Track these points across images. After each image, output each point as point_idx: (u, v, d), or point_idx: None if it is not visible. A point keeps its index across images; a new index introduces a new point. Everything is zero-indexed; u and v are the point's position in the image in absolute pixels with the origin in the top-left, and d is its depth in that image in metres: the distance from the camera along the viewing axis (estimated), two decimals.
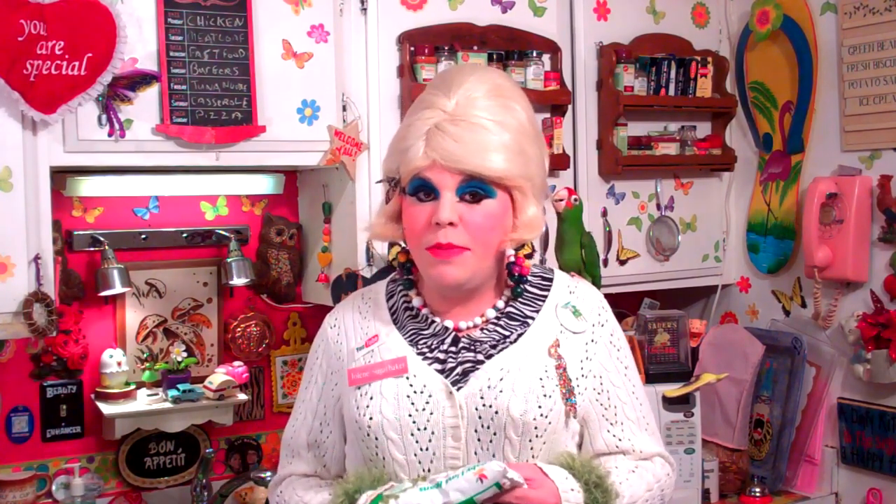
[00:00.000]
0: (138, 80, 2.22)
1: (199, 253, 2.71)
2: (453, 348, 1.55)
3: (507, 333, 1.56)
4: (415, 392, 1.51)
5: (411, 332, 1.58)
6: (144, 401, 2.54)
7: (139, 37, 2.22)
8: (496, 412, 1.48)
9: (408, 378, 1.52)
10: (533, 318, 1.58)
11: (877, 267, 2.78)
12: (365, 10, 2.52)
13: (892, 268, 2.74)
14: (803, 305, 3.01)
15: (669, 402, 2.71)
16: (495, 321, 1.58)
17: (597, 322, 1.62)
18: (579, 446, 1.60)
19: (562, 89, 2.77)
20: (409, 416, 1.50)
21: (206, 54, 2.29)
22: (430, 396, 1.50)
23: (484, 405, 1.49)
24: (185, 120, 2.27)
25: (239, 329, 2.73)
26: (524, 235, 1.55)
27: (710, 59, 3.05)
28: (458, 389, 1.50)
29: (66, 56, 2.09)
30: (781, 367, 2.95)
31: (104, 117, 2.20)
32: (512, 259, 1.61)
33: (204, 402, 2.55)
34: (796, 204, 2.99)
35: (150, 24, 2.23)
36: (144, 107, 2.23)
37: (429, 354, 1.55)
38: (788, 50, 2.97)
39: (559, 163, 2.76)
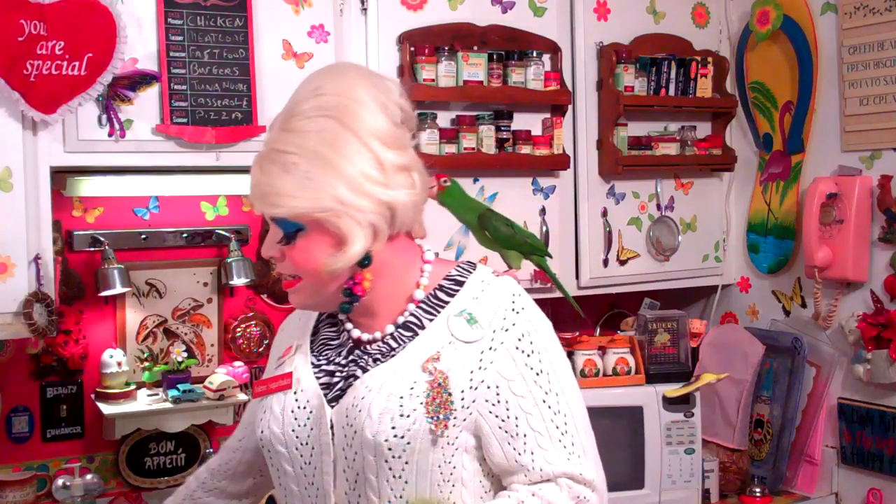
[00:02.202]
0: (138, 80, 2.22)
1: (200, 253, 2.71)
2: (343, 361, 1.51)
3: (395, 346, 1.48)
4: (299, 407, 1.48)
5: (322, 341, 1.56)
6: (144, 401, 2.54)
7: (139, 37, 2.22)
8: (355, 431, 1.42)
9: (294, 392, 1.50)
10: (424, 328, 1.48)
11: (877, 267, 2.78)
12: (365, 10, 2.52)
13: (893, 268, 2.74)
14: (803, 305, 3.01)
15: (669, 402, 2.71)
16: (393, 333, 1.50)
17: (499, 328, 1.45)
18: (483, 460, 1.47)
19: (562, 89, 2.76)
20: (293, 430, 1.48)
21: (207, 54, 2.29)
22: (311, 412, 1.47)
23: (347, 423, 1.43)
24: (185, 120, 2.27)
25: (239, 329, 2.73)
26: (376, 247, 1.44)
27: (710, 59, 3.05)
28: (333, 406, 1.46)
29: (67, 56, 2.09)
30: (781, 367, 2.95)
31: (104, 117, 2.20)
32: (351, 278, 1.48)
33: (204, 402, 2.55)
34: (796, 204, 2.99)
35: (150, 24, 2.24)
36: (144, 107, 2.24)
37: (323, 366, 1.52)
38: (788, 50, 2.97)
39: (559, 163, 2.76)
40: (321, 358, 1.53)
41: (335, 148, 1.40)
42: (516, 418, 1.44)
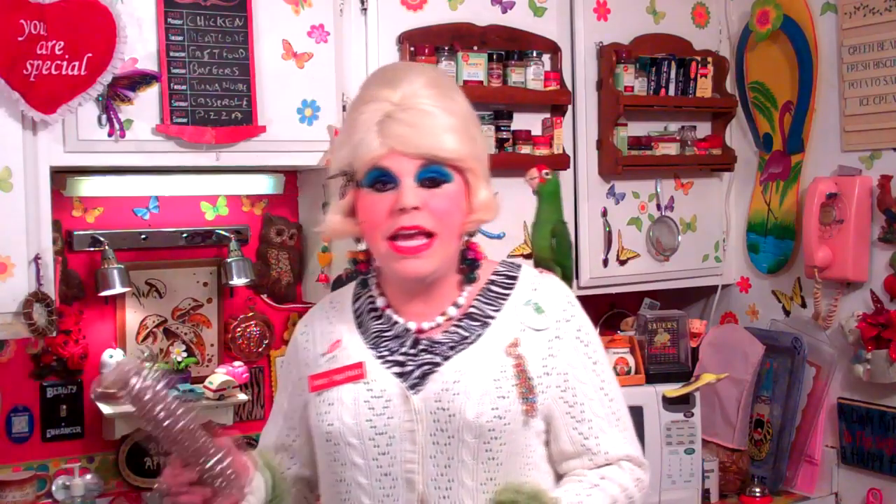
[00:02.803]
0: (138, 80, 2.22)
1: (199, 253, 2.71)
2: (413, 350, 1.53)
3: (466, 335, 1.54)
4: (374, 397, 1.49)
5: (373, 335, 1.57)
6: None
7: (139, 37, 2.22)
8: (452, 415, 1.46)
9: (366, 383, 1.50)
10: (493, 318, 1.56)
11: (877, 267, 2.78)
12: (365, 10, 2.53)
13: (892, 268, 2.74)
14: (803, 305, 3.01)
15: (669, 402, 2.71)
16: (457, 322, 1.56)
17: (561, 318, 1.57)
18: (546, 444, 1.57)
19: (562, 89, 2.77)
20: (368, 420, 1.49)
21: (206, 54, 2.29)
22: (388, 401, 1.49)
23: (440, 408, 1.47)
24: (185, 120, 2.27)
25: (239, 329, 2.73)
26: (483, 216, 1.55)
27: (710, 59, 3.05)
28: (416, 393, 1.48)
29: (66, 56, 2.09)
30: (781, 367, 2.95)
31: (104, 117, 2.20)
32: (463, 246, 1.59)
33: (204, 402, 2.55)
34: (796, 204, 2.99)
35: (150, 24, 2.24)
36: (144, 107, 2.24)
37: (389, 358, 1.53)
38: (788, 50, 2.97)
39: (559, 163, 2.75)
40: (381, 349, 1.54)
41: (475, 118, 1.56)
42: (581, 404, 1.55)
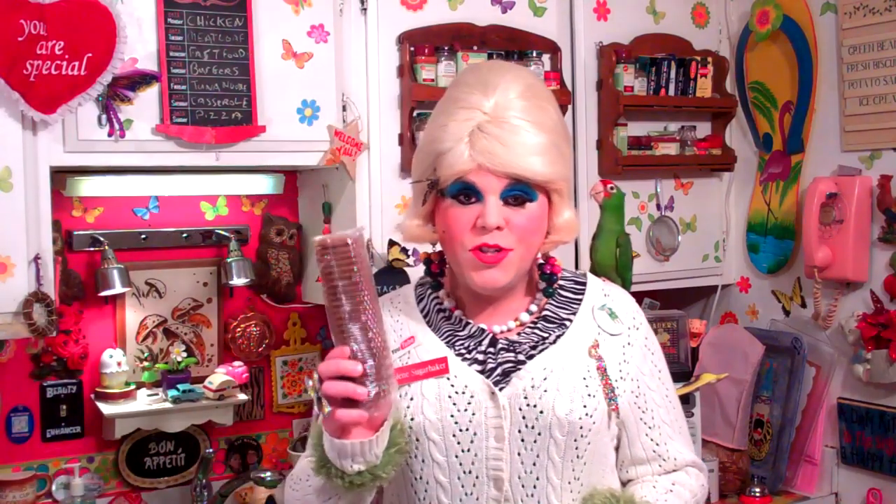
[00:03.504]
0: (138, 80, 2.22)
1: (199, 253, 2.71)
2: (492, 349, 1.53)
3: (545, 335, 1.55)
4: (456, 392, 1.49)
5: (447, 333, 1.56)
6: (144, 401, 2.54)
7: (139, 37, 2.22)
8: (541, 412, 1.47)
9: (449, 378, 1.50)
10: (570, 321, 1.57)
11: (877, 267, 2.78)
12: (365, 10, 2.52)
13: (892, 268, 2.74)
14: (803, 305, 3.01)
15: None
16: (532, 325, 1.56)
17: (632, 325, 1.60)
18: (616, 449, 1.59)
19: (562, 89, 2.77)
20: (451, 416, 1.48)
21: (206, 54, 2.29)
22: (472, 397, 1.48)
23: (528, 405, 1.47)
24: (185, 120, 2.27)
25: (239, 329, 2.73)
26: (563, 238, 1.56)
27: (710, 59, 3.05)
28: (501, 389, 1.49)
29: (66, 56, 2.09)
30: (781, 367, 2.95)
31: (104, 117, 2.20)
32: (541, 260, 1.60)
33: (204, 402, 2.55)
34: (796, 204, 2.99)
35: (150, 24, 2.23)
36: (144, 107, 2.24)
37: (467, 355, 1.53)
38: (788, 50, 2.97)
39: None
40: (458, 347, 1.54)
41: (566, 131, 1.57)
42: (652, 410, 1.58)
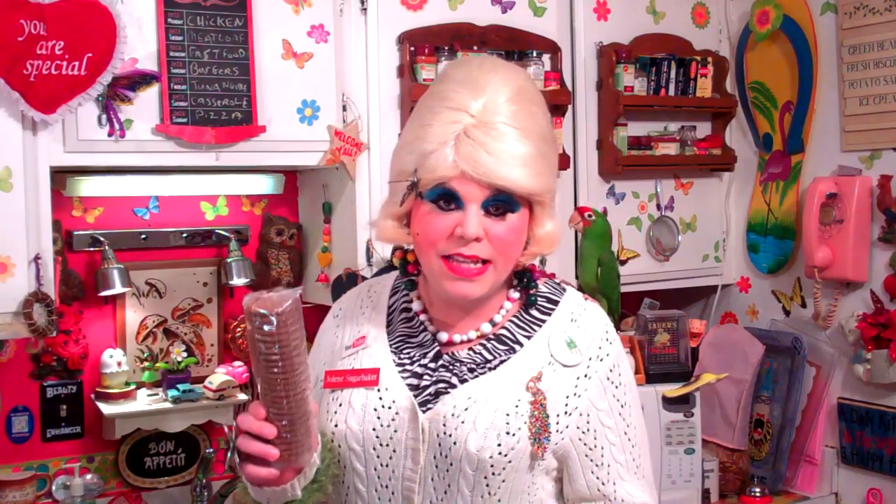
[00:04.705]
0: (138, 80, 2.22)
1: (199, 253, 2.71)
2: (432, 364, 1.47)
3: (489, 358, 1.47)
4: (383, 406, 1.44)
5: (399, 337, 1.52)
6: (144, 401, 2.54)
7: (139, 37, 2.22)
8: (454, 443, 1.40)
9: (378, 391, 1.45)
10: (521, 345, 1.48)
11: (877, 267, 2.78)
12: (365, 10, 2.52)
13: (892, 268, 2.74)
14: (803, 305, 3.01)
15: (669, 402, 2.71)
16: (486, 340, 1.49)
17: (594, 356, 1.49)
18: (558, 481, 1.50)
19: (562, 89, 2.77)
20: (374, 430, 1.44)
21: (206, 54, 2.29)
22: (396, 413, 1.43)
23: (445, 433, 1.41)
24: (185, 120, 2.27)
25: (239, 329, 2.73)
26: (543, 250, 1.49)
27: (710, 59, 3.05)
28: (426, 411, 1.43)
29: (66, 56, 2.09)
30: (781, 367, 2.95)
31: (104, 117, 2.20)
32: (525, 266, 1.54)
33: (204, 402, 2.56)
34: (796, 204, 2.99)
35: (150, 24, 2.23)
36: (144, 107, 2.24)
37: (408, 367, 1.48)
38: (788, 50, 2.97)
39: (559, 163, 2.75)
40: (403, 356, 1.49)
41: (553, 136, 1.49)
42: (602, 448, 1.48)
